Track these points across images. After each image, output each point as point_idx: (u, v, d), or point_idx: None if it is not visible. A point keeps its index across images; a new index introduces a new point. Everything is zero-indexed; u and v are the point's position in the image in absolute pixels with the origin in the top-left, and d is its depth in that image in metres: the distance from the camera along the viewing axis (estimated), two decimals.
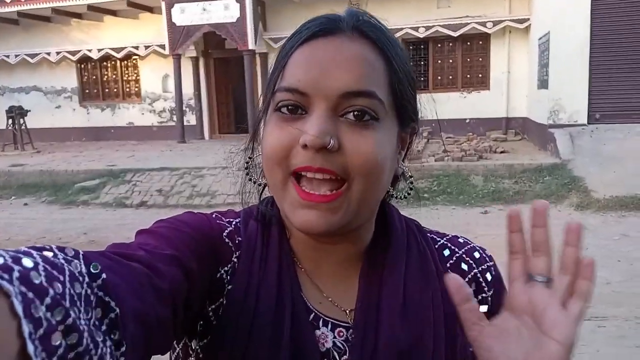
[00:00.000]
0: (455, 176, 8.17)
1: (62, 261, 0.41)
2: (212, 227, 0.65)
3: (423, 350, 0.63)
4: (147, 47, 13.62)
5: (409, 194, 0.70)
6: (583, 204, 6.87)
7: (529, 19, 11.39)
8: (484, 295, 0.69)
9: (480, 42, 12.36)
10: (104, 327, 0.42)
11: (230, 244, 0.66)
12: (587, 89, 9.39)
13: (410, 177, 0.71)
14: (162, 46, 12.88)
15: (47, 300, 0.37)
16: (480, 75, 12.49)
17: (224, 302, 0.63)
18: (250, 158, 0.71)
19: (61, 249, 0.43)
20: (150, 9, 13.49)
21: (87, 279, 0.42)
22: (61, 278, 0.39)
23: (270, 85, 0.61)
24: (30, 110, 13.43)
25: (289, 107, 0.58)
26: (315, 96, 0.57)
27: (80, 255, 0.44)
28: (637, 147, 8.17)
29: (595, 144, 8.57)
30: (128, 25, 14.05)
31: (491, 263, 0.72)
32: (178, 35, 12.30)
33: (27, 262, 0.38)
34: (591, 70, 9.35)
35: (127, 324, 0.44)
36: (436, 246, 0.72)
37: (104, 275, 0.44)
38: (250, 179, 0.70)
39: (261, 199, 0.71)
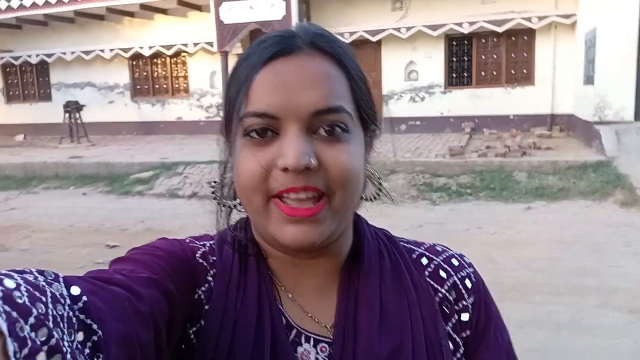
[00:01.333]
0: (499, 172, 8.17)
1: (43, 283, 0.42)
2: (184, 249, 0.65)
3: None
4: (195, 45, 13.99)
5: (378, 195, 0.71)
6: (628, 201, 6.79)
7: (575, 14, 11.20)
8: (464, 303, 0.69)
9: (525, 38, 12.23)
10: (87, 350, 0.42)
11: (204, 263, 0.66)
12: (635, 85, 9.23)
13: (379, 178, 0.71)
14: (210, 43, 13.19)
15: (31, 319, 0.37)
16: (524, 71, 12.36)
17: (203, 323, 0.62)
18: (215, 182, 0.71)
19: (41, 272, 0.44)
20: (198, 7, 13.85)
21: (68, 301, 0.43)
22: (43, 299, 0.40)
23: (232, 112, 0.61)
24: (85, 105, 14.03)
25: (258, 130, 0.58)
26: (287, 118, 0.57)
27: (60, 278, 0.45)
28: None
29: None
30: (177, 23, 14.47)
31: (471, 270, 0.72)
32: (226, 32, 12.64)
33: (9, 283, 0.39)
34: (639, 67, 9.19)
35: (110, 347, 0.44)
36: (413, 255, 0.71)
37: (84, 298, 0.44)
38: (219, 203, 0.70)
39: (229, 221, 0.71)
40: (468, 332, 0.69)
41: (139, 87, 15.77)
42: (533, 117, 12.10)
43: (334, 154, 0.57)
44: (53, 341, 0.37)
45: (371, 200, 0.70)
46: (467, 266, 0.72)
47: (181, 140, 13.61)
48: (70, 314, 0.42)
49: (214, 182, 0.72)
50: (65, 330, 0.40)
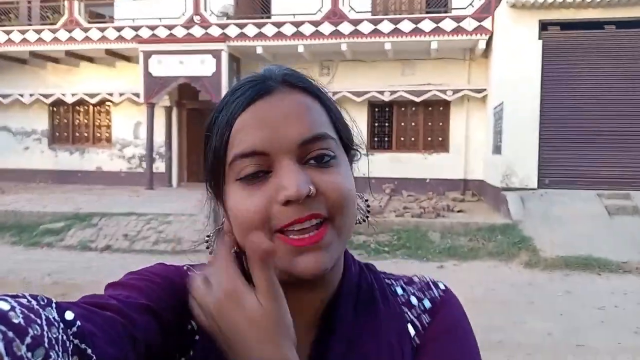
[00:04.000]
0: (414, 232, 8.46)
1: (37, 306, 0.42)
2: (182, 278, 0.64)
3: None
4: (121, 95, 13.81)
5: (367, 217, 0.72)
6: (531, 262, 7.22)
7: (485, 90, 12.12)
8: (424, 322, 0.68)
9: (441, 108, 13.02)
10: None
11: None
12: (537, 156, 9.98)
13: (366, 200, 0.72)
14: (137, 94, 13.10)
15: (28, 339, 0.37)
16: (440, 139, 13.08)
17: (192, 354, 0.62)
18: (209, 236, 0.70)
19: (34, 297, 0.43)
20: (127, 58, 13.82)
21: (62, 325, 0.43)
22: (39, 321, 0.40)
23: (219, 160, 0.61)
24: None
25: (250, 173, 0.58)
26: (276, 153, 0.58)
27: (53, 303, 0.44)
28: (581, 212, 8.71)
29: (544, 207, 9.04)
30: (104, 72, 14.30)
31: (438, 292, 0.71)
32: (154, 85, 12.61)
33: (3, 305, 0.39)
34: (541, 139, 9.99)
35: None
36: (393, 289, 0.71)
37: (78, 323, 0.44)
38: (210, 253, 0.69)
39: None
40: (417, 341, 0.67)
41: (57, 134, 15.24)
42: (448, 182, 12.74)
43: (329, 179, 0.58)
44: None
45: (359, 223, 0.71)
46: (440, 289, 0.71)
47: (99, 190, 13.12)
48: (64, 337, 0.42)
49: (208, 235, 0.70)
50: (60, 353, 0.40)
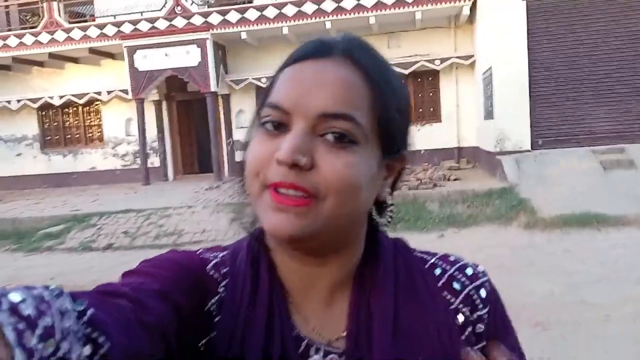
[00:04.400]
0: (412, 204, 8.47)
1: (49, 297, 0.42)
2: (194, 261, 0.65)
3: None
4: (109, 92, 13.71)
5: (389, 221, 0.69)
6: (530, 223, 7.24)
7: (473, 56, 12.08)
8: (479, 313, 0.66)
9: (430, 79, 12.99)
10: None
11: (215, 275, 0.65)
12: (529, 117, 9.97)
13: (391, 205, 0.68)
14: (125, 91, 13.03)
15: (39, 331, 0.38)
16: (431, 109, 13.06)
17: (214, 334, 0.62)
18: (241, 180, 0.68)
19: (46, 287, 0.44)
20: (111, 55, 13.71)
21: (74, 315, 0.43)
22: (50, 312, 0.40)
23: (259, 102, 0.63)
24: None
25: (273, 123, 0.59)
26: (295, 114, 0.57)
27: (65, 293, 0.45)
28: (577, 169, 8.74)
29: (539, 168, 9.07)
30: (90, 71, 14.19)
31: (485, 278, 0.69)
32: (141, 80, 12.53)
33: (15, 297, 0.39)
34: (532, 100, 9.97)
35: None
36: (426, 266, 0.69)
37: (90, 312, 0.45)
38: (241, 225, 0.70)
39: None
40: (484, 343, 0.66)
41: (49, 138, 15.16)
42: (442, 151, 12.77)
43: (332, 160, 0.56)
44: (60, 353, 0.38)
45: (385, 224, 0.68)
46: (481, 276, 0.69)
47: (95, 190, 13.13)
48: (77, 327, 0.42)
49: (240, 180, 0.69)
50: (73, 344, 0.41)
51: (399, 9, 11.55)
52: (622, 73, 9.82)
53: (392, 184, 0.67)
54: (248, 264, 0.66)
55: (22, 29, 13.77)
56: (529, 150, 9.87)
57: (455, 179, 9.96)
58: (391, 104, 0.62)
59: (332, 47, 0.61)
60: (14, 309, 0.38)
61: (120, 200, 10.74)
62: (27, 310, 0.39)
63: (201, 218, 8.94)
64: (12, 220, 9.81)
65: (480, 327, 0.66)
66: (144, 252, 7.90)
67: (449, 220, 7.85)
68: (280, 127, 0.59)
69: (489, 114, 10.68)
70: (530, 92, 9.98)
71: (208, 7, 12.74)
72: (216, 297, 0.64)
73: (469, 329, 0.66)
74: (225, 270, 0.66)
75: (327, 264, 0.64)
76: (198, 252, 0.68)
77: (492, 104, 10.30)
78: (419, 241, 5.41)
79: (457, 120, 12.78)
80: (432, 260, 0.70)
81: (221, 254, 0.68)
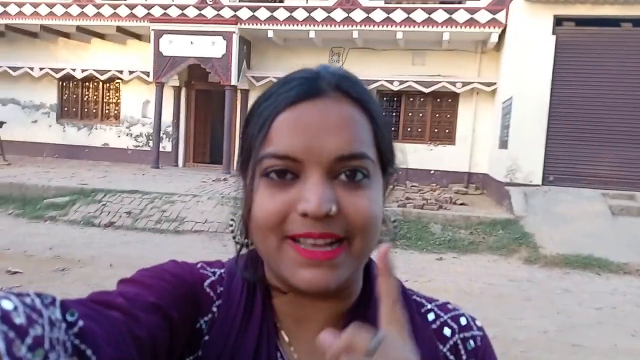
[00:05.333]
0: (416, 223, 8.45)
1: (40, 306, 0.42)
2: (194, 276, 0.64)
3: None
4: (131, 73, 13.80)
5: (392, 238, 0.69)
6: (531, 258, 7.22)
7: (495, 83, 12.04)
8: (450, 352, 0.66)
9: (450, 100, 12.96)
10: None
11: (211, 293, 0.65)
12: (544, 152, 9.94)
13: (394, 221, 0.70)
14: (147, 73, 13.12)
15: (28, 340, 0.37)
16: (447, 131, 13.04)
17: (201, 353, 0.62)
18: (233, 219, 0.69)
19: (38, 295, 0.43)
20: (138, 36, 13.81)
21: (64, 326, 0.43)
22: (40, 321, 0.40)
23: (251, 150, 0.60)
24: (5, 122, 13.43)
25: (278, 172, 0.57)
26: (309, 162, 0.56)
27: (57, 302, 0.44)
28: (584, 210, 8.68)
29: (547, 204, 9.01)
30: (114, 49, 14.29)
31: (477, 332, 0.68)
32: (164, 64, 12.61)
33: (7, 304, 0.39)
34: (548, 136, 9.93)
35: None
36: (422, 310, 0.69)
37: (80, 323, 0.44)
38: (233, 237, 0.69)
39: (239, 257, 0.69)
40: None
41: (66, 109, 15.26)
42: (452, 174, 12.73)
43: (355, 201, 0.56)
44: None
45: (380, 242, 0.66)
46: (474, 328, 0.68)
47: (105, 167, 13.19)
48: (66, 338, 0.42)
49: (232, 219, 0.69)
50: (60, 355, 0.40)
51: (428, 27, 11.57)
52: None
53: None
54: (244, 289, 0.65)
55: None
56: (539, 185, 9.83)
57: (461, 203, 9.92)
58: (384, 129, 0.62)
59: (321, 83, 0.59)
60: (5, 317, 0.37)
61: (128, 180, 10.79)
62: (19, 318, 0.38)
63: (205, 208, 8.96)
64: (19, 186, 9.84)
65: None
66: (144, 234, 7.95)
67: (450, 244, 7.82)
68: (286, 174, 0.57)
69: (503, 144, 10.65)
70: (548, 127, 9.95)
71: (239, 1, 12.82)
72: (209, 316, 0.63)
73: None
74: (221, 289, 0.65)
75: (328, 299, 0.63)
76: (198, 266, 0.67)
77: (507, 133, 10.27)
78: (418, 261, 5.43)
79: (471, 146, 12.74)
80: (428, 306, 0.70)
81: (220, 271, 0.68)
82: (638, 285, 6.39)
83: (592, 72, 9.87)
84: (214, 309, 0.64)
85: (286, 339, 0.64)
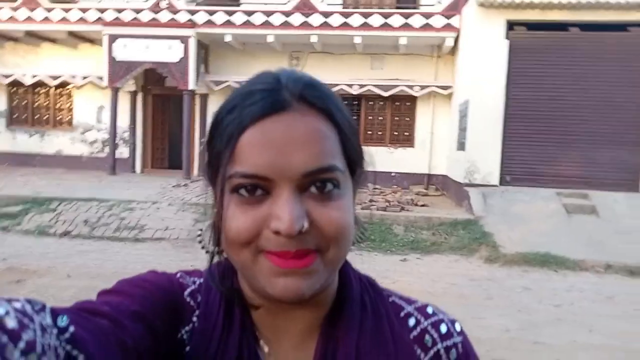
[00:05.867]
0: (379, 225, 8.53)
1: (31, 312, 0.42)
2: (173, 285, 0.64)
3: None
4: (84, 78, 13.40)
5: (361, 238, 0.69)
6: (491, 257, 7.38)
7: (452, 86, 12.29)
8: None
9: (408, 104, 13.14)
10: None
11: (191, 302, 0.64)
12: (500, 153, 10.21)
13: (364, 223, 0.69)
14: (100, 78, 12.75)
15: (21, 344, 0.38)
16: (406, 134, 13.21)
17: None
18: (201, 230, 0.68)
19: (28, 301, 0.43)
20: (90, 40, 13.41)
21: (55, 331, 0.43)
22: (32, 326, 0.40)
23: (219, 165, 0.58)
24: None
25: (248, 188, 0.56)
26: (278, 179, 0.55)
27: (47, 308, 0.44)
28: (540, 210, 8.96)
29: (505, 204, 9.25)
30: (66, 53, 13.86)
31: (458, 339, 0.67)
32: (118, 69, 12.29)
33: None
34: (504, 137, 10.20)
35: None
36: (401, 314, 0.68)
37: (71, 329, 0.44)
38: (203, 248, 0.68)
39: (211, 264, 0.68)
40: None
41: (16, 115, 14.68)
42: (412, 176, 12.92)
43: (327, 213, 0.56)
44: None
45: (353, 244, 0.65)
46: (455, 335, 0.67)
47: (59, 175, 12.74)
48: (57, 344, 0.42)
49: (200, 229, 0.68)
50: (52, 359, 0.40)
51: (385, 31, 11.72)
52: (592, 120, 10.14)
53: None
54: (223, 299, 0.64)
55: (1, 1, 13.35)
56: (496, 185, 10.07)
57: (422, 205, 10.07)
58: (351, 134, 0.61)
59: (285, 95, 0.57)
60: None
61: (83, 188, 10.47)
62: (11, 323, 0.38)
63: (165, 215, 8.79)
64: None
65: None
66: (102, 243, 7.73)
67: (413, 245, 7.93)
68: (256, 190, 0.56)
69: (461, 145, 10.86)
70: (503, 128, 10.21)
71: (196, 5, 12.65)
72: (189, 326, 0.63)
73: None
74: (200, 299, 0.65)
75: (303, 307, 0.62)
76: (178, 276, 0.67)
77: (465, 135, 10.48)
78: (382, 263, 5.48)
79: (430, 148, 12.95)
80: (408, 309, 0.69)
81: (199, 281, 0.67)
82: (594, 282, 6.62)
83: (544, 75, 10.21)
84: (194, 319, 0.63)
85: (265, 349, 0.64)
